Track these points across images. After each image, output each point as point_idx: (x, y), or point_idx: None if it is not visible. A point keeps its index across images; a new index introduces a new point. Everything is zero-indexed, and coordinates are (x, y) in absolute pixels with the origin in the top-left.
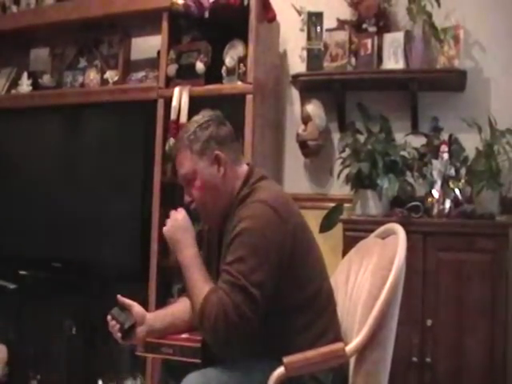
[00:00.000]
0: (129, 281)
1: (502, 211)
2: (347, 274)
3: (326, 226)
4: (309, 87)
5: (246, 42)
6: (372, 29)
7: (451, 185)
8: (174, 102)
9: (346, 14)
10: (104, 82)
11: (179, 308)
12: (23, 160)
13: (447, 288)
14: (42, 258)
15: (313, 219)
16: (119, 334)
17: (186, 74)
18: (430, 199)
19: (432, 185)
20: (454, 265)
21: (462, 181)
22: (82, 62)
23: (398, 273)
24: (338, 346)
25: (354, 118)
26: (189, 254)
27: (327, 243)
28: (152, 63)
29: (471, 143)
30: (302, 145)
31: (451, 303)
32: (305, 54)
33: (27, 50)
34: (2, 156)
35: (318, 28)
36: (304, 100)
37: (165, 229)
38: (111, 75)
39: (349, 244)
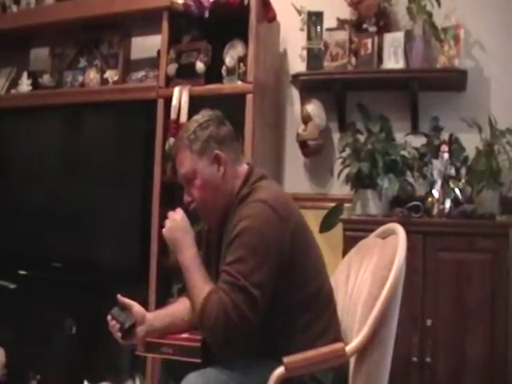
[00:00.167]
0: (129, 281)
1: (502, 211)
2: (347, 273)
3: (326, 225)
4: (309, 87)
5: (246, 41)
6: (372, 28)
7: (451, 185)
8: (174, 102)
9: (346, 13)
10: (104, 81)
11: (179, 308)
12: (23, 160)
13: (447, 288)
14: (42, 258)
15: (313, 219)
16: (119, 334)
17: (186, 73)
18: (430, 199)
19: (432, 185)
20: (454, 265)
21: (463, 181)
22: (82, 62)
23: (398, 273)
24: (338, 345)
25: (354, 117)
26: (189, 254)
27: (327, 243)
28: (152, 63)
29: (471, 143)
30: (302, 144)
31: (451, 303)
32: (305, 53)
33: (27, 50)
34: (3, 156)
35: (318, 28)
36: (304, 100)
37: (164, 230)
38: (111, 75)
39: (349, 244)
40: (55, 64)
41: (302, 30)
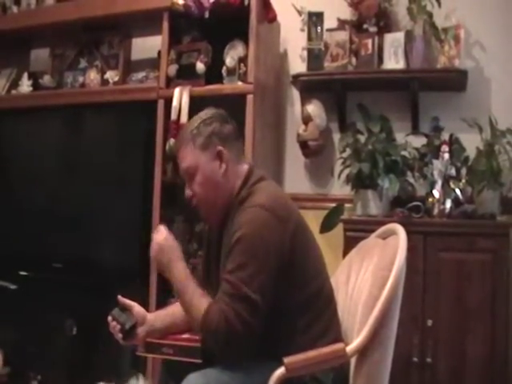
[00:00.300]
0: (129, 281)
1: (502, 211)
2: (348, 274)
3: (327, 226)
4: (309, 87)
5: (246, 42)
6: (372, 29)
7: (452, 185)
8: (175, 103)
9: (347, 13)
10: (104, 82)
11: (179, 308)
12: (24, 160)
13: (448, 288)
14: (43, 259)
15: (313, 219)
16: (120, 335)
17: (186, 74)
18: (430, 199)
19: (433, 185)
20: (454, 265)
21: (463, 181)
22: (83, 63)
23: (398, 273)
24: (338, 346)
25: (355, 118)
26: (181, 268)
27: (328, 243)
28: (152, 63)
29: (472, 143)
30: (303, 145)
31: (452, 303)
32: (305, 54)
33: (28, 51)
34: (3, 156)
35: (319, 28)
36: (304, 100)
37: (152, 254)
38: (111, 75)
39: (349, 244)
40: (56, 65)
41: (302, 30)
